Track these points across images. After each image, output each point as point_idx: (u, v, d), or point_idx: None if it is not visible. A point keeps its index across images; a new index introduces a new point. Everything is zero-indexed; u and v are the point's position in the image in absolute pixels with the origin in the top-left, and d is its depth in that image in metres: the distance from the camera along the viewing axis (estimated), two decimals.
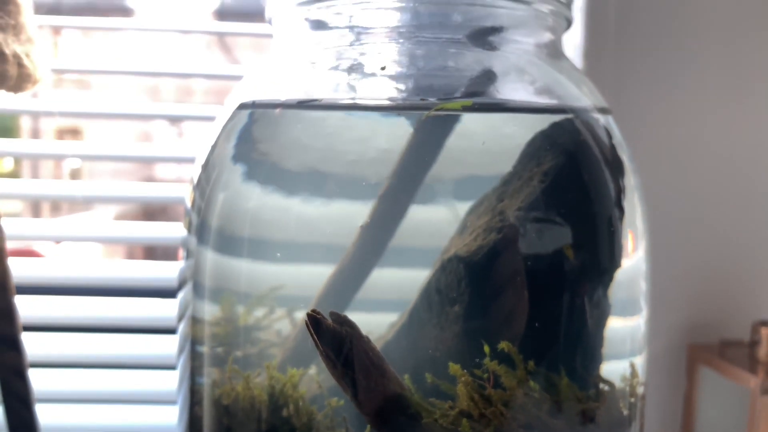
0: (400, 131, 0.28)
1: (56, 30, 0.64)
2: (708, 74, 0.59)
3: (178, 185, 0.63)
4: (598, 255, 0.30)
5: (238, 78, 0.61)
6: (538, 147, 0.29)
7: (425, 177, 0.29)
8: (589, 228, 0.30)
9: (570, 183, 0.28)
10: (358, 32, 0.29)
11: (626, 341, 0.32)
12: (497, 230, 0.27)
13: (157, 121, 0.76)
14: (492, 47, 0.28)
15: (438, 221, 0.30)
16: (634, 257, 0.32)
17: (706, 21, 0.59)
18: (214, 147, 0.32)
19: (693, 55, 0.59)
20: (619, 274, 0.30)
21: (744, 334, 0.56)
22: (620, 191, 0.31)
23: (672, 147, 0.59)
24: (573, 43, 0.59)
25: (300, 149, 0.29)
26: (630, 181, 0.32)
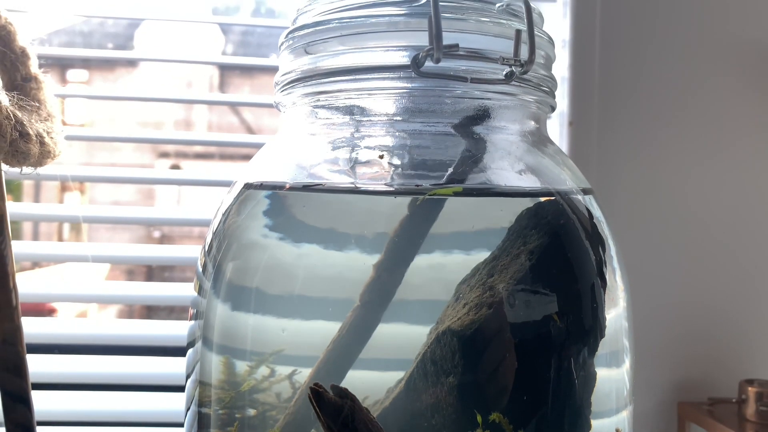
0: (396, 211, 0.30)
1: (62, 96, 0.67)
2: (695, 136, 0.62)
3: (180, 246, 0.65)
4: (583, 321, 0.32)
5: (241, 144, 0.64)
6: (524, 226, 0.31)
7: (418, 250, 0.32)
8: (574, 299, 0.32)
9: (554, 260, 0.31)
10: (358, 120, 0.32)
11: (611, 397, 0.34)
12: (488, 305, 0.29)
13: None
14: (479, 137, 0.31)
15: (431, 283, 0.32)
16: (613, 314, 0.34)
17: (689, 89, 0.63)
18: (225, 217, 0.35)
19: (679, 120, 0.63)
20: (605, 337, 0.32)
21: (732, 393, 0.57)
22: (601, 263, 0.33)
23: (659, 213, 0.62)
24: (558, 110, 0.62)
25: (304, 227, 0.32)
26: (610, 251, 0.34)
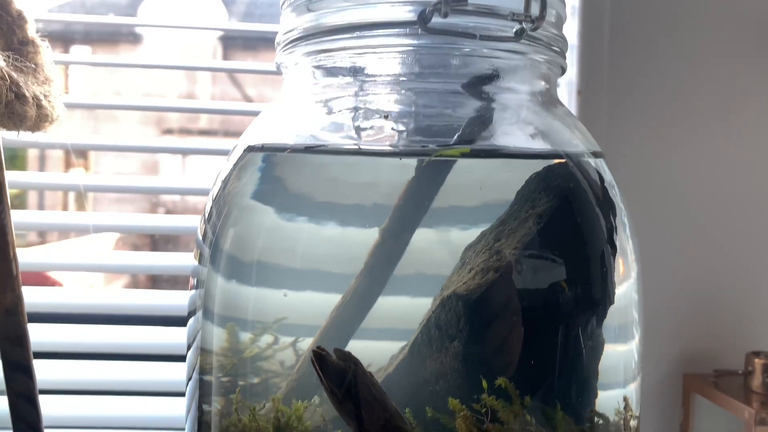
0: (401, 174, 0.30)
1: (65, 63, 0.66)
2: (703, 107, 0.61)
3: (182, 216, 0.64)
4: (592, 290, 0.31)
5: (244, 113, 0.63)
6: (532, 190, 0.30)
7: (424, 215, 0.31)
8: (583, 265, 0.31)
9: (563, 224, 0.30)
10: (362, 80, 0.31)
11: (619, 371, 0.33)
12: (495, 269, 0.29)
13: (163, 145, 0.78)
14: (488, 97, 0.30)
15: (437, 251, 0.31)
16: (625, 287, 0.33)
17: (699, 59, 0.61)
18: (225, 184, 0.34)
19: (687, 90, 0.61)
20: (612, 306, 0.31)
21: (738, 365, 0.57)
22: (612, 229, 0.32)
23: (667, 185, 0.61)
24: (567, 78, 0.61)
25: (307, 190, 0.31)
26: (621, 218, 0.33)
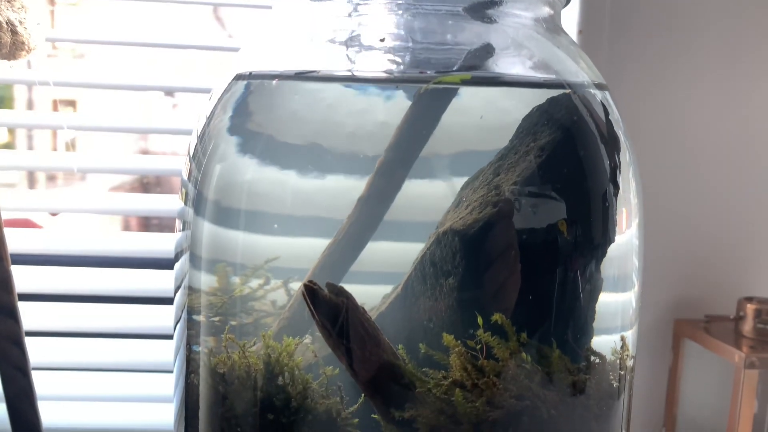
0: (397, 104, 0.28)
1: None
2: (704, 52, 0.59)
3: (173, 158, 0.62)
4: (592, 230, 0.30)
5: (235, 50, 0.60)
6: (535, 122, 0.29)
7: (421, 150, 0.29)
8: (584, 203, 0.30)
9: (566, 158, 0.29)
10: (357, 3, 0.29)
11: (617, 316, 0.33)
12: (493, 204, 0.28)
13: (153, 93, 0.75)
14: (491, 20, 0.28)
15: (433, 194, 0.30)
16: (627, 234, 0.32)
17: (703, 3, 0.59)
18: (210, 118, 0.32)
19: (689, 32, 0.59)
20: (613, 251, 0.31)
21: (729, 311, 0.57)
22: (615, 167, 0.31)
23: (663, 128, 0.60)
24: (569, 17, 0.59)
25: (297, 121, 0.29)
26: (625, 157, 0.32)
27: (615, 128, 0.31)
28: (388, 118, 0.28)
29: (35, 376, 0.48)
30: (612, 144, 0.31)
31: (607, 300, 0.31)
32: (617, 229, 0.31)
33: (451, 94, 0.28)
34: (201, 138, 0.32)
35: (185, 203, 0.33)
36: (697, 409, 0.59)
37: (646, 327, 0.59)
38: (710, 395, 0.59)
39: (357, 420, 0.27)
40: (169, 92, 0.72)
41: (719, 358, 0.54)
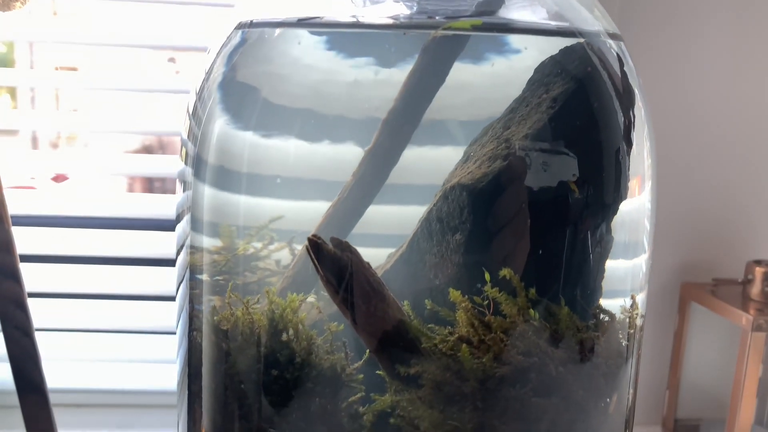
0: (406, 50, 0.27)
1: None
2: (720, 4, 0.57)
3: (176, 119, 0.61)
4: (603, 186, 0.30)
5: (230, 5, 0.58)
6: (547, 73, 0.28)
7: (430, 102, 0.28)
8: (596, 159, 0.29)
9: (579, 110, 0.27)
10: None
11: (627, 280, 0.32)
12: (503, 157, 0.27)
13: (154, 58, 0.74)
14: None
15: (441, 153, 0.29)
16: (640, 197, 0.31)
17: None
18: (209, 72, 0.31)
19: None
20: (624, 215, 0.30)
21: (737, 274, 0.56)
22: (630, 123, 0.30)
23: (672, 90, 0.58)
24: None
25: (300, 71, 0.28)
26: (640, 114, 0.31)
27: (630, 80, 0.30)
28: (396, 64, 0.27)
29: (40, 337, 0.48)
30: (627, 97, 0.30)
31: (617, 264, 0.31)
32: (630, 193, 0.30)
33: (461, 42, 0.27)
34: (200, 93, 0.31)
35: (185, 163, 0.32)
36: (700, 373, 0.59)
37: (652, 290, 0.59)
38: (714, 359, 0.59)
39: (362, 376, 0.26)
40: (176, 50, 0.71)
41: (725, 321, 0.54)
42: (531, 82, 0.28)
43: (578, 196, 0.28)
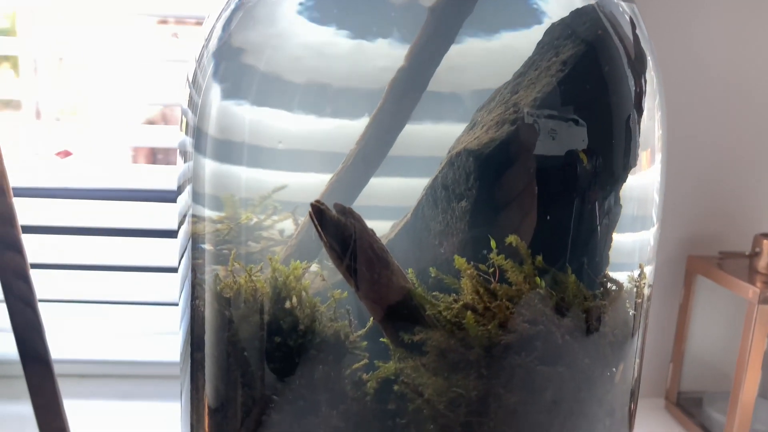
0: (411, 15, 0.26)
1: None
2: None
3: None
4: (613, 154, 0.29)
5: None
6: (556, 36, 0.27)
7: (437, 67, 0.28)
8: (606, 125, 0.28)
9: (589, 74, 0.27)
10: None
11: (635, 253, 0.32)
12: (511, 122, 0.26)
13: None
14: None
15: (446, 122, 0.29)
16: (650, 170, 0.31)
17: None
18: (209, 38, 0.30)
19: None
20: (634, 189, 0.29)
21: (744, 247, 0.56)
22: (641, 89, 0.29)
23: (679, 55, 0.57)
24: None
25: (301, 32, 0.28)
26: (652, 83, 0.30)
27: (642, 44, 0.29)
28: (401, 32, 0.27)
29: (44, 309, 0.48)
30: (639, 62, 0.29)
31: (625, 237, 0.30)
32: (641, 166, 0.30)
33: (469, 5, 0.27)
34: (200, 60, 0.31)
35: (186, 133, 0.32)
36: (705, 346, 0.59)
37: (659, 263, 0.58)
38: (719, 332, 0.58)
39: (365, 343, 0.26)
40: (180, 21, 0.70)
41: (731, 294, 0.53)
42: (540, 45, 0.28)
43: (587, 165, 0.27)
